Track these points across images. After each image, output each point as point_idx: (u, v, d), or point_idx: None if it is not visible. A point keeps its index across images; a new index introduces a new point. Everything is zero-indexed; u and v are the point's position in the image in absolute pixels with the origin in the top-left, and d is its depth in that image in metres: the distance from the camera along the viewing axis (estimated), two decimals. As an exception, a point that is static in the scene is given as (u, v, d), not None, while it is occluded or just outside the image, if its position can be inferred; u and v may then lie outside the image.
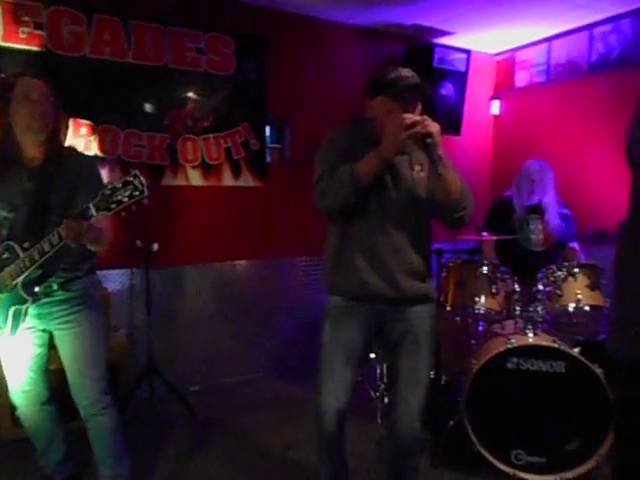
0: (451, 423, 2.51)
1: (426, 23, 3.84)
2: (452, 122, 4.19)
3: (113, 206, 1.63)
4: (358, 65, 3.92)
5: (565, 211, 3.07)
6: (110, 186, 1.65)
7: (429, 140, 1.59)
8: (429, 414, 2.60)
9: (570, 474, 2.26)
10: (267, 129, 3.64)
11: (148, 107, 3.23)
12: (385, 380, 2.88)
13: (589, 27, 3.84)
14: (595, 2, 3.43)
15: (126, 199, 1.63)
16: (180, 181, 3.35)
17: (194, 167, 3.38)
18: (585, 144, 3.87)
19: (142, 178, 1.65)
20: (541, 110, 4.27)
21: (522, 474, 2.31)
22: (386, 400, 2.83)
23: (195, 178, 3.39)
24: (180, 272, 3.43)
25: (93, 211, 1.65)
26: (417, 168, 1.77)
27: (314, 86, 3.79)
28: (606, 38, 3.75)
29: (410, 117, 1.59)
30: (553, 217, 2.99)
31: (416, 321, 1.77)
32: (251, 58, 3.49)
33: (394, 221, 1.72)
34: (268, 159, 3.66)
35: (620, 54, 3.67)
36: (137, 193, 1.63)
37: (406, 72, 1.69)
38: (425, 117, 1.61)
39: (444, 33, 4.00)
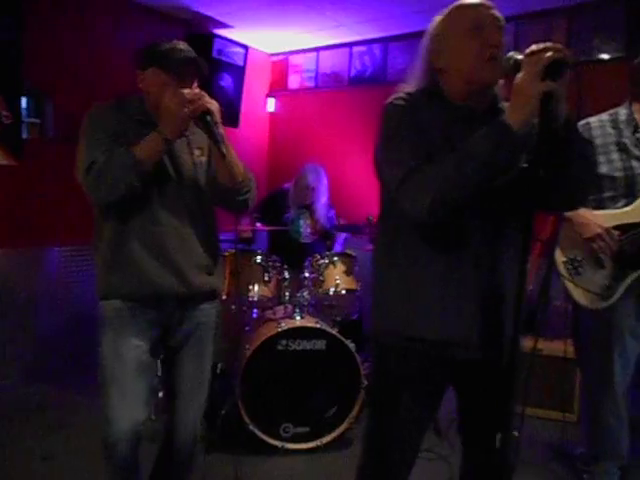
0: (226, 408, 2.59)
1: (207, 12, 3.83)
2: (230, 114, 4.28)
3: None
4: (134, 43, 3.69)
5: (331, 213, 3.45)
6: None
7: (209, 118, 1.50)
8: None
9: (329, 437, 2.56)
10: (23, 101, 3.16)
11: None
12: (159, 374, 2.81)
13: (349, 45, 4.36)
14: (354, 25, 3.92)
15: None
16: None
17: None
18: (346, 146, 4.39)
19: None
20: (310, 113, 4.68)
21: (289, 445, 2.53)
22: (160, 394, 2.77)
23: None
24: None
25: None
26: (197, 152, 1.66)
27: (83, 58, 3.44)
28: (362, 57, 4.32)
29: (189, 92, 1.49)
30: (321, 219, 3.33)
31: (202, 320, 1.67)
32: (3, 14, 2.97)
33: (178, 210, 1.59)
34: (25, 135, 3.19)
35: (372, 73, 4.28)
36: None
37: (182, 45, 1.60)
38: (203, 93, 1.53)
39: (224, 25, 4.05)
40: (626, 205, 1.94)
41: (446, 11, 1.32)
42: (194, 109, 1.47)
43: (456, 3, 1.31)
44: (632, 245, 1.92)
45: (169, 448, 1.71)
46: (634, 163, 1.93)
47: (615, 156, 1.95)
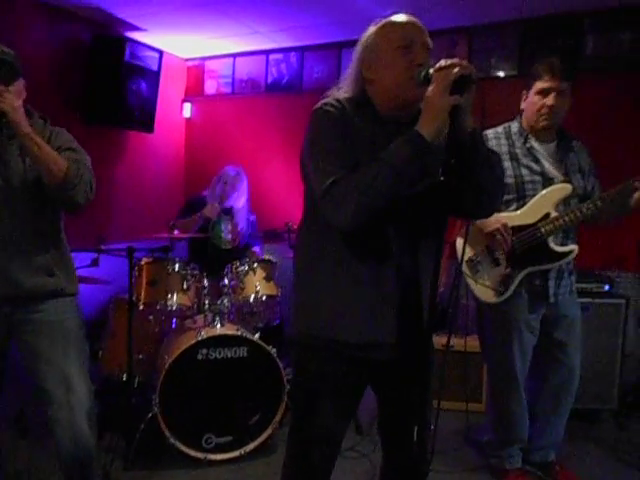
0: (144, 422, 2.49)
1: (118, 14, 3.69)
2: (145, 119, 4.16)
3: None
4: (37, 43, 3.47)
5: (252, 217, 3.45)
6: None
7: (4, 120, 1.49)
8: (121, 418, 2.56)
9: (252, 445, 2.55)
10: None
11: None
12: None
13: (266, 52, 4.39)
14: (270, 33, 3.97)
15: None
16: None
17: None
18: (263, 152, 4.41)
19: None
20: (228, 118, 4.65)
21: (212, 456, 2.48)
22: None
23: None
24: None
25: None
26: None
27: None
28: (279, 65, 4.37)
29: None
30: (241, 222, 3.32)
31: (50, 318, 1.64)
32: None
33: (4, 214, 1.58)
34: None
35: (289, 80, 4.34)
36: None
37: None
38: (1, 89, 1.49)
39: (136, 28, 3.93)
40: (517, 209, 2.14)
41: (379, 23, 1.35)
42: None
43: (391, 17, 1.35)
44: (521, 245, 2.12)
45: (61, 459, 1.65)
46: (523, 171, 2.13)
47: (507, 164, 2.14)
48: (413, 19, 1.34)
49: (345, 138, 1.27)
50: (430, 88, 1.18)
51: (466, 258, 2.22)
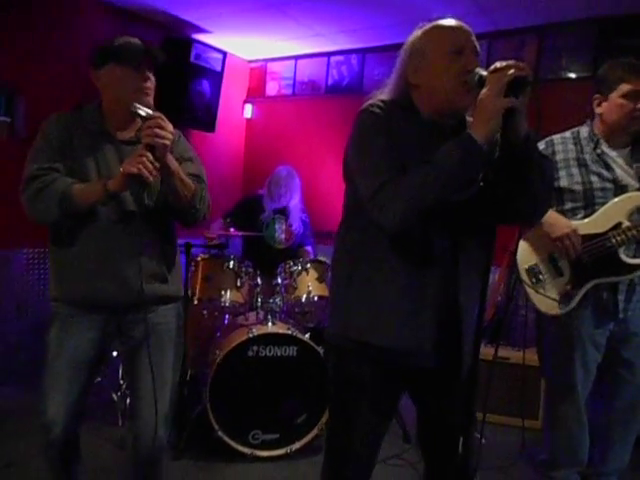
0: (194, 415, 2.56)
1: (185, 17, 3.83)
2: (207, 119, 4.28)
3: None
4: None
5: (305, 216, 3.47)
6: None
7: (157, 153, 1.50)
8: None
9: (298, 444, 2.56)
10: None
11: None
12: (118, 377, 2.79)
13: (327, 55, 4.41)
14: (332, 34, 3.98)
15: None
16: None
17: None
18: (321, 154, 4.42)
19: None
20: (288, 119, 4.70)
21: (258, 452, 2.52)
22: (128, 401, 2.74)
23: None
24: None
25: None
26: (156, 164, 1.66)
27: (58, 57, 3.39)
28: (340, 67, 4.38)
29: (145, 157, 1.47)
30: (295, 221, 3.35)
31: (158, 321, 1.68)
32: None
33: (130, 224, 1.60)
34: (-8, 134, 3.12)
35: (349, 82, 4.34)
36: None
37: (135, 40, 1.63)
38: (161, 125, 1.49)
39: (202, 30, 4.05)
40: (585, 217, 2.02)
41: (427, 28, 1.32)
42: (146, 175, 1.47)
43: (438, 22, 1.31)
44: (589, 255, 1.99)
45: (134, 453, 1.70)
46: (593, 178, 2.01)
47: (575, 171, 2.02)
48: (461, 23, 1.29)
49: (391, 139, 1.25)
50: (484, 90, 1.14)
51: (527, 266, 2.11)
